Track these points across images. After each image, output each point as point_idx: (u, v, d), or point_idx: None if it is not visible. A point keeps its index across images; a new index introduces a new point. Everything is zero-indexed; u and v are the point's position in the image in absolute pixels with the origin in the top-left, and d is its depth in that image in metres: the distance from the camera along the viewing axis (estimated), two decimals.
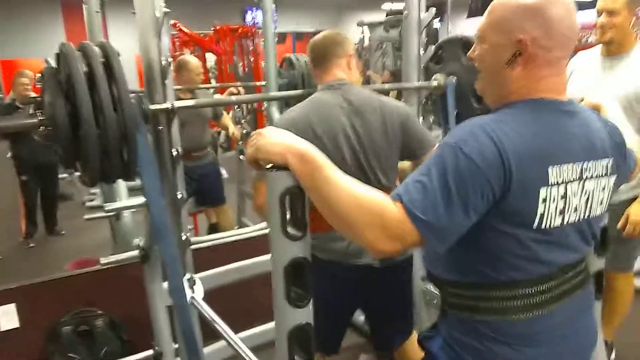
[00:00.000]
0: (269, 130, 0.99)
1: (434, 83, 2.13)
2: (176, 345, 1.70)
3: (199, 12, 9.96)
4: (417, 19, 2.13)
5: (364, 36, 8.84)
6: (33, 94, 4.43)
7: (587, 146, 0.99)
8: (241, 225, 4.02)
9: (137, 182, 1.44)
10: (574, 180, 0.97)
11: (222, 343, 1.83)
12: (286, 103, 2.54)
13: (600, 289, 1.27)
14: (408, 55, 2.18)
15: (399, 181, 1.68)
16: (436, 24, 8.53)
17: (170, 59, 1.54)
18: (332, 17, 15.19)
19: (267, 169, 0.93)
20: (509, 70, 0.99)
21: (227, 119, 4.30)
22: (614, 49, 2.18)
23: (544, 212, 0.93)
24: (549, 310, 1.00)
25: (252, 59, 7.57)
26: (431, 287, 1.88)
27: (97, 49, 1.28)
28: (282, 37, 9.25)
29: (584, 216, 1.00)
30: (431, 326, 1.16)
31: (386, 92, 1.96)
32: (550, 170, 0.93)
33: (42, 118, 1.24)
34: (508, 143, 0.90)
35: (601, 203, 1.04)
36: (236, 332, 1.49)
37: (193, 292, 1.61)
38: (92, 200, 5.65)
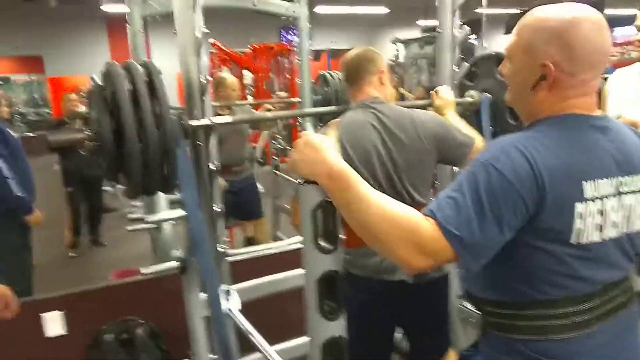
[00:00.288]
0: (307, 144, 0.99)
1: (469, 99, 2.12)
2: (213, 356, 1.73)
3: (237, 31, 10.20)
4: (450, 37, 2.14)
5: (398, 53, 8.84)
6: (81, 109, 4.66)
7: (623, 161, 0.98)
8: (276, 239, 4.07)
9: (177, 195, 1.49)
10: (610, 196, 0.96)
11: (257, 355, 1.85)
12: (320, 119, 2.58)
13: None
14: (442, 72, 2.18)
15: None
16: (473, 39, 8.48)
17: (208, 77, 1.59)
18: (367, 34, 15.31)
19: (299, 183, 0.96)
20: (533, 93, 1.00)
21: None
22: None
23: (580, 227, 0.93)
24: (591, 330, 0.98)
25: (287, 76, 7.70)
26: (468, 306, 1.85)
27: (140, 68, 1.34)
28: (317, 55, 9.37)
29: (624, 232, 0.99)
30: (471, 345, 1.15)
31: (421, 109, 1.96)
32: (585, 185, 0.93)
33: (89, 133, 1.31)
34: (540, 159, 0.91)
35: None
36: (271, 344, 1.51)
37: (229, 303, 1.64)
38: (133, 213, 5.82)
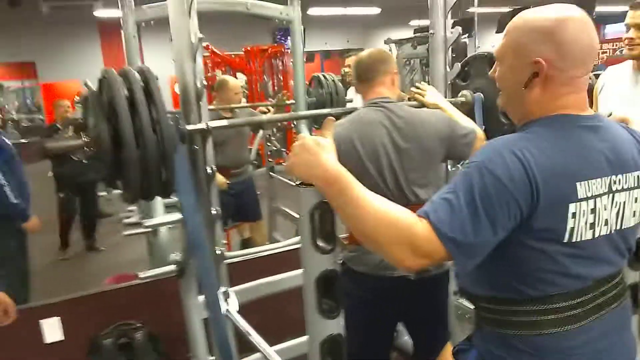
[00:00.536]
0: (303, 146, 1.01)
1: (461, 99, 2.14)
2: (212, 358, 1.74)
3: (230, 33, 10.18)
4: (443, 37, 2.16)
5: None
6: (73, 115, 4.66)
7: (615, 159, 1.00)
8: (273, 240, 4.07)
9: (173, 199, 1.50)
10: (603, 194, 0.97)
11: (257, 355, 1.87)
12: (314, 121, 2.60)
13: (636, 303, 1.25)
14: (435, 72, 2.21)
15: None
16: (465, 37, 8.51)
17: (204, 81, 1.60)
18: (360, 35, 15.31)
19: (295, 185, 0.98)
20: (527, 92, 1.01)
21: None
22: None
23: (574, 226, 0.94)
24: (584, 325, 1.00)
25: (281, 78, 7.71)
26: (463, 302, 1.88)
27: (137, 75, 1.35)
28: (310, 56, 9.38)
29: (616, 229, 1.00)
30: (465, 339, 1.17)
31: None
32: (578, 185, 0.94)
33: (86, 140, 1.32)
34: (534, 161, 0.92)
35: (634, 215, 1.04)
36: (270, 345, 1.52)
37: (228, 305, 1.65)
38: (129, 218, 5.80)
